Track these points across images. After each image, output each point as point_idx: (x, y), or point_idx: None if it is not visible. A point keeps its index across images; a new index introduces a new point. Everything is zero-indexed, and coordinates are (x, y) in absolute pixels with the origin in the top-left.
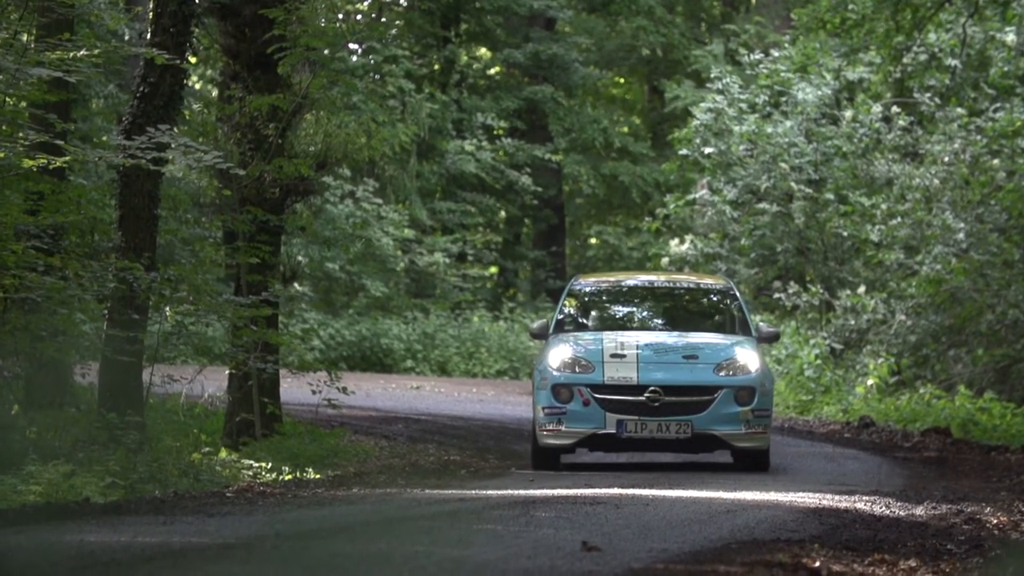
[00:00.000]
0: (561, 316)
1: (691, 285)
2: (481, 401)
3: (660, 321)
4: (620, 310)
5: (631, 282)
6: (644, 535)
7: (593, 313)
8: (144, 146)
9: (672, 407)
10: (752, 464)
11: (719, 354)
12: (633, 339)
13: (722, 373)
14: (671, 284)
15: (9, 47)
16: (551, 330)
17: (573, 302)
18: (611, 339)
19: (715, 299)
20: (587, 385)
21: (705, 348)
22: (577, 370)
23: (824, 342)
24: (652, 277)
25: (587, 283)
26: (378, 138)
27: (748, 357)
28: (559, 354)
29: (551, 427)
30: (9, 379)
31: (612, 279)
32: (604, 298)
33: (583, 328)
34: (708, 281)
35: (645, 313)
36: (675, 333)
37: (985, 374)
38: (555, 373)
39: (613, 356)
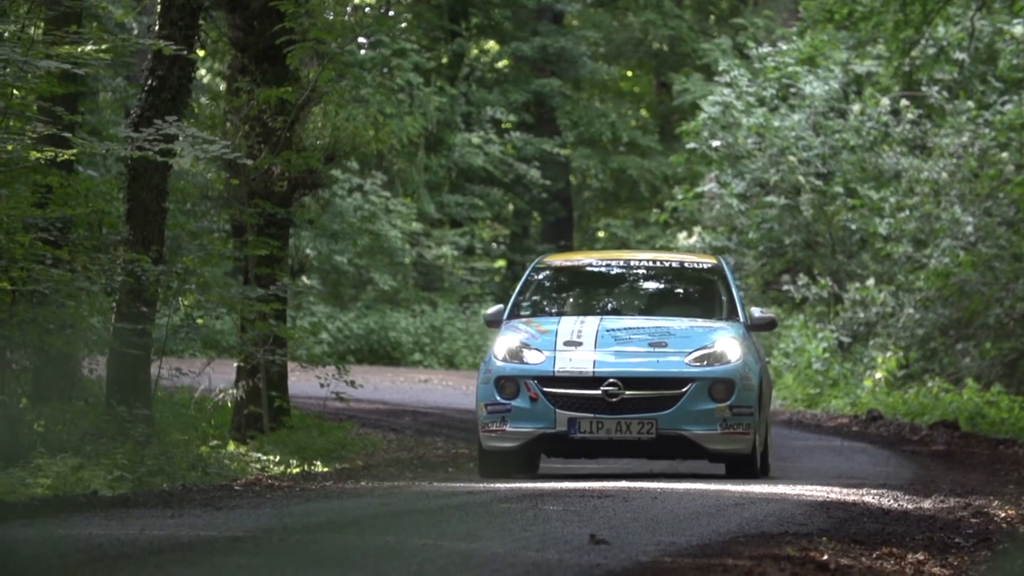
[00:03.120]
0: (518, 300)
1: (673, 264)
2: None
3: (633, 304)
4: (587, 293)
5: (604, 261)
6: (652, 528)
7: (556, 296)
8: (152, 138)
9: (633, 403)
10: (737, 471)
11: (693, 341)
12: (594, 324)
13: (695, 363)
14: (650, 263)
15: (17, 40)
16: (506, 316)
17: (534, 284)
18: (569, 325)
19: (700, 279)
20: (535, 377)
21: (677, 334)
22: (525, 360)
23: (832, 335)
24: (629, 255)
25: (553, 263)
26: (386, 131)
27: (728, 345)
28: (506, 342)
29: (494, 427)
30: (17, 372)
31: (582, 258)
32: (571, 279)
33: (543, 314)
34: (694, 259)
35: (616, 295)
36: (647, 318)
37: (993, 367)
38: (499, 364)
39: (567, 344)
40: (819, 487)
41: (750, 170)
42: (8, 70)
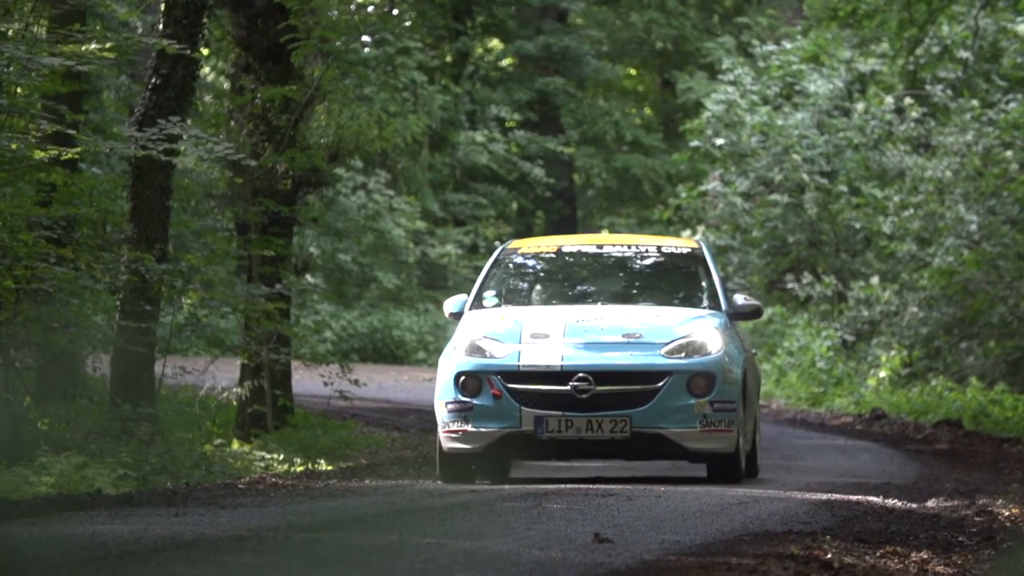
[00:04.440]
0: (481, 289)
1: (650, 248)
2: None
3: (606, 293)
4: (557, 280)
5: (574, 247)
6: (656, 527)
7: (523, 285)
8: (156, 137)
9: (605, 399)
10: (720, 473)
11: (670, 331)
12: (562, 315)
13: (672, 355)
14: (625, 248)
15: (21, 38)
16: (468, 307)
17: (499, 272)
18: (535, 315)
19: (678, 265)
20: (499, 373)
21: (653, 324)
22: (488, 355)
23: (836, 334)
24: (603, 240)
25: (520, 249)
26: (390, 130)
27: (708, 335)
28: (467, 335)
29: (455, 427)
30: (21, 370)
31: (551, 244)
32: (539, 266)
33: (509, 303)
34: (672, 243)
35: (588, 283)
36: (619, 307)
37: (997, 366)
38: (460, 358)
39: (534, 336)
40: (823, 486)
41: (754, 168)
42: (12, 68)
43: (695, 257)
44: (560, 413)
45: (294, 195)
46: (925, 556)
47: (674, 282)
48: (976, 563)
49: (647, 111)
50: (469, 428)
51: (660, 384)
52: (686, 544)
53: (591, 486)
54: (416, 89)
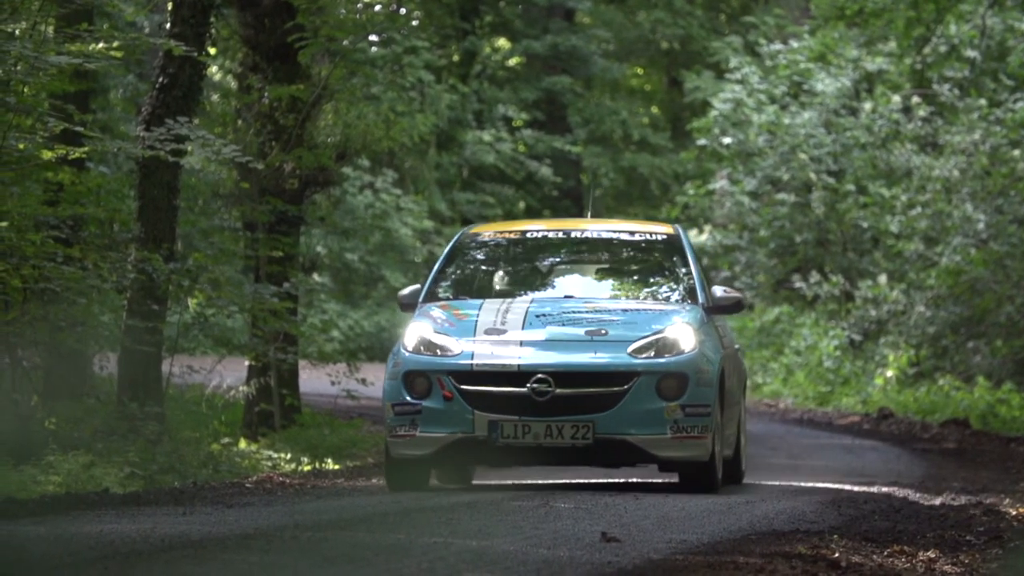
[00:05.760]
0: (437, 279)
1: (622, 234)
2: None
3: (571, 283)
4: (519, 270)
5: (539, 232)
6: (663, 526)
7: (482, 274)
8: (163, 137)
9: (566, 402)
10: (694, 483)
11: (639, 327)
12: (523, 308)
13: (640, 354)
14: (595, 234)
15: (29, 37)
16: (421, 298)
17: (457, 260)
18: (493, 308)
19: (653, 253)
20: (450, 372)
21: (621, 319)
22: (439, 352)
23: (843, 333)
24: (571, 225)
25: (481, 235)
26: (397, 129)
27: (681, 332)
28: (417, 329)
29: (402, 432)
30: (29, 370)
31: (515, 229)
32: (501, 254)
33: (466, 295)
34: (647, 228)
35: (551, 273)
36: (586, 300)
37: (1004, 365)
38: (408, 356)
39: (489, 331)
40: (830, 485)
41: (761, 167)
42: (20, 67)
43: (671, 244)
44: (516, 417)
45: (301, 194)
46: (932, 555)
47: (647, 272)
48: (983, 562)
49: (654, 110)
50: (418, 433)
51: (627, 386)
52: (693, 543)
53: (599, 484)
54: (423, 88)
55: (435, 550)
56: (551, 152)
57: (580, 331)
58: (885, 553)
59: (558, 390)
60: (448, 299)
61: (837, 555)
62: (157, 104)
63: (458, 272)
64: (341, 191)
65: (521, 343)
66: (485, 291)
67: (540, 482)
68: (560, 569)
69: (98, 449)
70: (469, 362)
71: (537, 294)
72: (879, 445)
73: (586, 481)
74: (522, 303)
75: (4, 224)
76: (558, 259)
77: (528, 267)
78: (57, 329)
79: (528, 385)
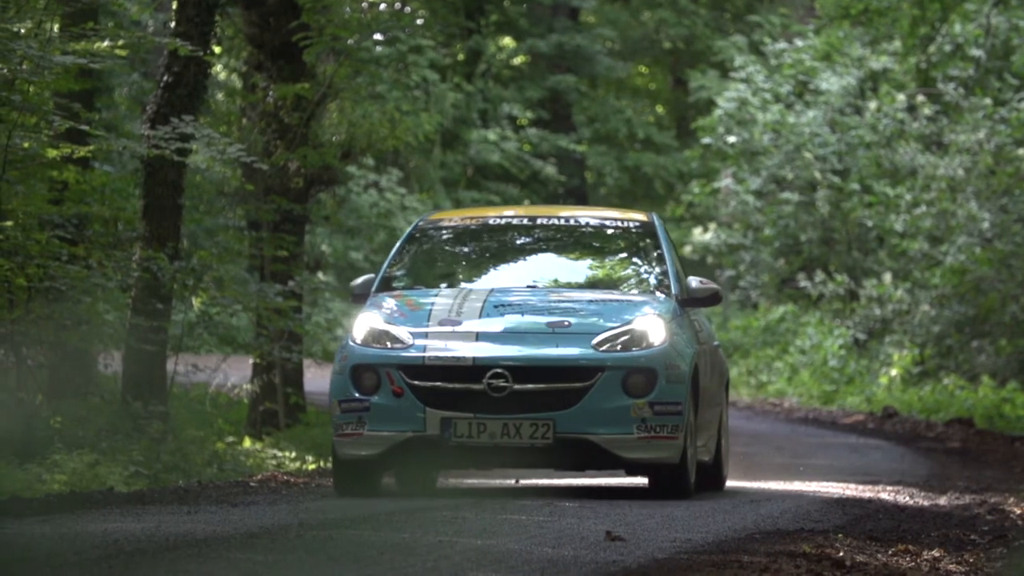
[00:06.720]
0: (391, 268)
1: (591, 222)
2: None
3: (535, 273)
4: (478, 259)
5: (502, 219)
6: (668, 525)
7: (439, 263)
8: (168, 136)
9: (525, 399)
10: (663, 487)
11: (605, 319)
12: (480, 299)
13: (605, 348)
14: (562, 221)
15: (34, 36)
16: (374, 288)
17: (414, 248)
18: (448, 299)
19: (624, 241)
20: (400, 366)
21: (585, 310)
22: (388, 344)
23: (848, 332)
24: (537, 212)
25: (439, 222)
26: (402, 128)
27: (650, 324)
28: (367, 321)
29: (350, 430)
30: (33, 368)
31: (476, 215)
32: (460, 242)
33: (421, 284)
34: (619, 216)
35: (512, 261)
36: (547, 290)
37: (1009, 364)
38: (356, 349)
39: (444, 323)
40: (835, 484)
41: (766, 166)
42: (25, 65)
43: (645, 232)
44: (471, 415)
45: (306, 193)
46: (937, 554)
47: (617, 261)
48: (988, 561)
49: (659, 109)
50: (365, 432)
51: (590, 382)
52: (698, 542)
53: (603, 483)
54: (428, 87)
55: (440, 549)
56: (556, 151)
57: (541, 322)
58: (890, 552)
59: (516, 386)
60: (403, 289)
61: (842, 554)
62: (162, 103)
63: (415, 260)
64: (346, 190)
65: (477, 335)
66: (443, 280)
67: (499, 484)
68: (564, 568)
69: (103, 448)
70: (421, 355)
71: (498, 283)
72: (883, 444)
73: (589, 482)
74: (481, 292)
75: (9, 223)
76: (523, 246)
77: (490, 255)
78: (62, 328)
79: (484, 380)
